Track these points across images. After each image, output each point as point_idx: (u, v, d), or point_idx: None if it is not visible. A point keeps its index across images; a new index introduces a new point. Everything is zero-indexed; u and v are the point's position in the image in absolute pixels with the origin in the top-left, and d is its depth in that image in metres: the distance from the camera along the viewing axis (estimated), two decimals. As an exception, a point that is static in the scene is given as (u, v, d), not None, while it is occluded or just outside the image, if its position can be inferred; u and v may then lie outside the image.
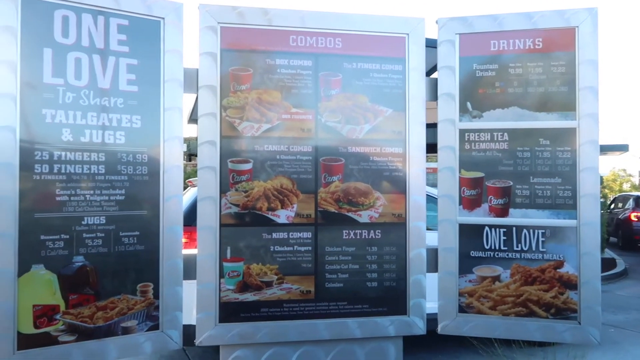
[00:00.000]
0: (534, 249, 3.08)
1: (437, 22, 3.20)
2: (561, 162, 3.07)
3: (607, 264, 8.38)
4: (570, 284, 3.03)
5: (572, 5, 3.20)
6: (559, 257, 3.05)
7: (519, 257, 3.10)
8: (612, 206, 13.84)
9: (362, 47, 3.10)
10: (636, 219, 11.35)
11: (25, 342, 2.46)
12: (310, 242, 3.02)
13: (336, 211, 3.04)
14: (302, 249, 3.01)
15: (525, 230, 3.09)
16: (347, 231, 3.07)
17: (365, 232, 3.08)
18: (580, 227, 3.01)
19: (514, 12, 3.17)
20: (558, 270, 3.05)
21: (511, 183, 3.11)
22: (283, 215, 2.98)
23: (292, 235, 3.00)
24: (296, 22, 3.03)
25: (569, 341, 3.07)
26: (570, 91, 3.06)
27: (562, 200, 3.06)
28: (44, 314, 2.51)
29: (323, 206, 3.03)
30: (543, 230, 3.07)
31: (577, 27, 3.05)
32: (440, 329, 3.14)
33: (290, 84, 3.02)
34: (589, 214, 3.01)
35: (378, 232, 3.10)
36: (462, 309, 3.13)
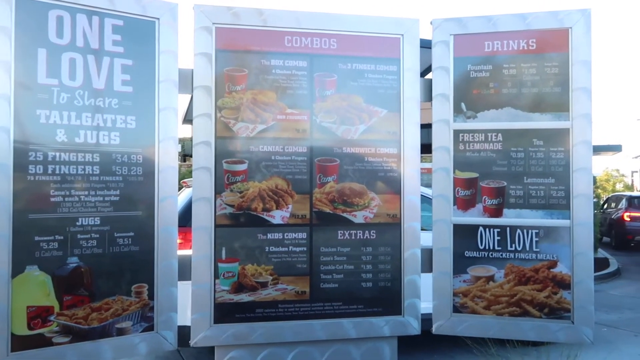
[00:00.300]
0: (527, 249, 3.10)
1: (431, 23, 3.22)
2: (554, 163, 3.09)
3: (600, 263, 8.43)
4: (564, 284, 3.05)
5: (565, 7, 3.22)
6: (553, 257, 3.07)
7: (512, 257, 3.11)
8: (605, 206, 13.91)
9: (357, 48, 3.11)
10: (629, 219, 11.41)
11: (19, 343, 2.45)
12: (305, 243, 3.02)
13: (331, 212, 3.04)
14: (297, 249, 3.01)
15: (519, 231, 3.11)
16: (342, 232, 3.07)
17: (360, 233, 3.09)
18: (574, 227, 3.03)
19: (508, 13, 3.18)
20: (552, 270, 3.07)
21: (505, 183, 3.13)
22: (278, 216, 2.98)
23: (287, 235, 3.00)
24: (291, 23, 3.03)
25: (562, 340, 3.09)
26: (564, 92, 3.08)
27: (555, 201, 3.07)
28: (38, 315, 2.50)
29: (318, 207, 3.03)
30: (537, 231, 3.09)
31: (571, 28, 3.07)
32: (434, 329, 3.15)
33: (285, 84, 3.02)
34: (582, 214, 3.03)
35: (373, 233, 3.10)
36: (456, 309, 3.14)
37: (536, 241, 3.09)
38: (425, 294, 3.17)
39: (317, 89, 3.05)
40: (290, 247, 3.00)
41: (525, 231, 3.10)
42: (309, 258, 3.03)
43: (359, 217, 3.08)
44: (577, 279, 3.02)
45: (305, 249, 3.02)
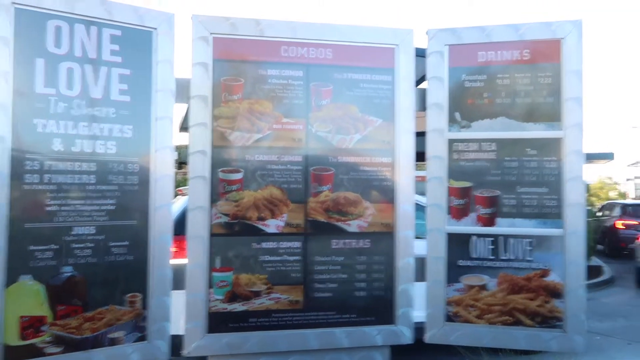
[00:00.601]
0: (520, 258, 3.12)
1: (427, 33, 3.25)
2: (547, 172, 3.11)
3: (594, 271, 8.46)
4: (556, 293, 3.07)
5: (557, 18, 3.25)
6: (545, 266, 3.09)
7: (505, 266, 3.13)
8: (600, 214, 13.96)
9: (352, 58, 3.14)
10: (622, 227, 11.46)
11: (11, 354, 2.44)
12: (300, 252, 3.03)
13: (326, 221, 3.05)
14: (292, 258, 3.02)
15: (512, 240, 3.13)
16: (336, 241, 3.08)
17: (354, 242, 3.10)
18: (566, 236, 3.05)
19: (501, 24, 3.21)
20: (544, 279, 3.09)
21: (498, 193, 3.15)
22: (273, 225, 2.99)
23: (281, 244, 3.01)
24: (287, 33, 3.06)
25: (555, 349, 3.11)
26: (556, 102, 3.11)
27: (548, 210, 3.10)
28: (31, 325, 2.49)
29: (313, 216, 3.04)
30: (530, 240, 3.11)
31: (563, 38, 3.11)
32: (427, 338, 3.16)
33: (282, 94, 3.04)
34: (575, 223, 3.05)
35: (367, 242, 3.12)
36: (449, 318, 3.15)
37: (529, 250, 3.11)
38: (418, 303, 3.17)
39: (312, 99, 3.07)
40: (284, 256, 3.01)
41: (518, 240, 3.12)
42: (303, 267, 3.03)
43: (353, 226, 3.09)
44: (569, 287, 3.04)
45: (299, 258, 3.03)
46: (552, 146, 3.10)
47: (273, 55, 3.04)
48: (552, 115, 3.12)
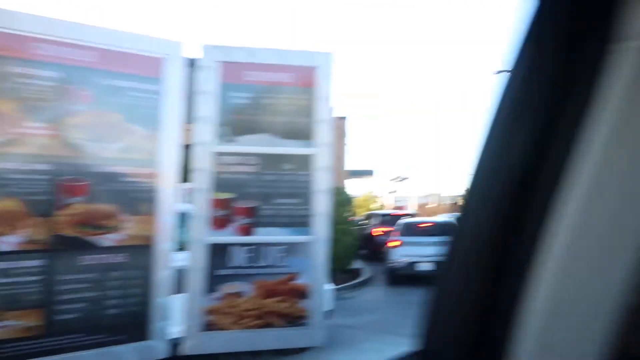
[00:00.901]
0: (274, 264, 3.38)
1: (202, 48, 3.31)
2: (301, 185, 3.45)
3: (354, 273, 9.52)
4: (303, 294, 3.41)
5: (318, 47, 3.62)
6: (295, 270, 3.41)
7: (261, 272, 3.36)
8: (365, 222, 15.87)
9: (119, 64, 3.01)
10: (379, 233, 13.24)
11: None
12: (42, 271, 2.73)
13: (76, 235, 2.83)
14: (30, 279, 2.70)
15: (268, 247, 3.37)
16: (87, 256, 2.87)
17: (108, 257, 2.93)
18: (314, 243, 3.42)
19: (267, 48, 3.47)
20: (294, 282, 3.40)
21: (257, 204, 3.37)
22: (9, 242, 2.64)
23: (17, 264, 2.67)
24: (42, 29, 2.78)
25: (301, 345, 3.44)
26: (311, 122, 3.48)
27: (300, 219, 3.43)
28: None
29: (60, 230, 2.78)
30: (283, 247, 3.40)
31: (317, 67, 3.50)
32: (185, 349, 3.17)
33: (30, 95, 2.73)
34: (321, 231, 3.45)
35: (123, 256, 2.98)
36: (207, 327, 3.22)
37: (282, 256, 3.39)
38: (178, 316, 3.15)
39: (68, 103, 2.83)
40: (20, 277, 2.67)
41: (273, 248, 3.38)
42: (44, 288, 2.73)
43: (108, 240, 2.93)
44: (314, 288, 3.42)
45: (40, 277, 2.72)
46: (306, 162, 3.46)
47: (22, 51, 2.72)
48: (307, 134, 3.47)
